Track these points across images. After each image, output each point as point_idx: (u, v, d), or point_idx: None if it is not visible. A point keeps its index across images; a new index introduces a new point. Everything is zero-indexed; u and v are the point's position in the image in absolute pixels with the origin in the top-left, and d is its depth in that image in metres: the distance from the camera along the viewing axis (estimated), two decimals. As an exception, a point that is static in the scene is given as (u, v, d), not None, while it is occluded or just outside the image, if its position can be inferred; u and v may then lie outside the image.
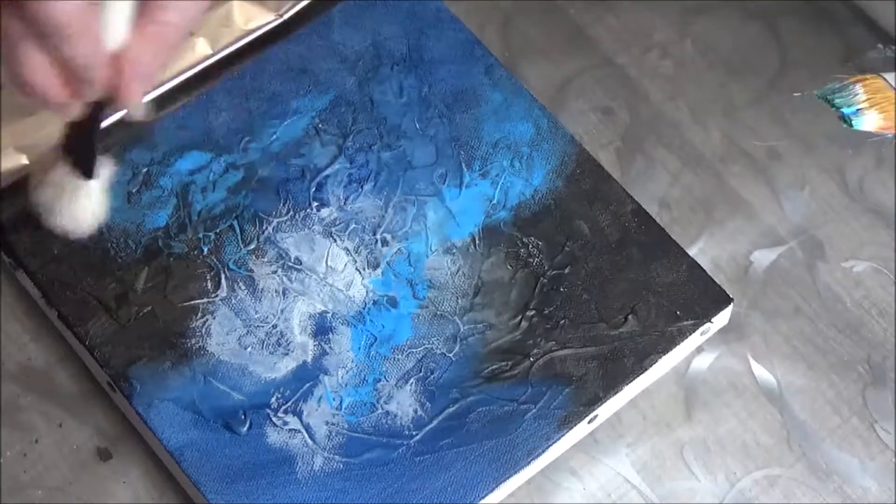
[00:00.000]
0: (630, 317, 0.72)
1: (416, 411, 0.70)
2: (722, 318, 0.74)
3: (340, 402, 0.70)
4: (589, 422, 0.71)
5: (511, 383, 0.71)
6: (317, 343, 0.72)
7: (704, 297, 0.73)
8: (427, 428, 0.70)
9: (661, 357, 0.71)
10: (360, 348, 0.72)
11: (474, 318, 0.72)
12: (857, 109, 0.78)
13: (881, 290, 0.76)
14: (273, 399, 0.70)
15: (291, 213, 0.75)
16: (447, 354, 0.71)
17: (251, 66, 0.78)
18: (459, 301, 0.73)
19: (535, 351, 0.71)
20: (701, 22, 0.84)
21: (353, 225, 0.75)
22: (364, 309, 0.73)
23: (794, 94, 0.82)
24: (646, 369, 0.71)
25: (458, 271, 0.74)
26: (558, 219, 0.75)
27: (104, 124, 0.73)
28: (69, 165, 0.70)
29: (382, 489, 0.68)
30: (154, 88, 0.79)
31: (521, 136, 0.77)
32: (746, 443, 0.72)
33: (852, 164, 0.80)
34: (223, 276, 0.73)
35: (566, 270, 0.74)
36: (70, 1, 0.59)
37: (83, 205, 0.71)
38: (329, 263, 0.74)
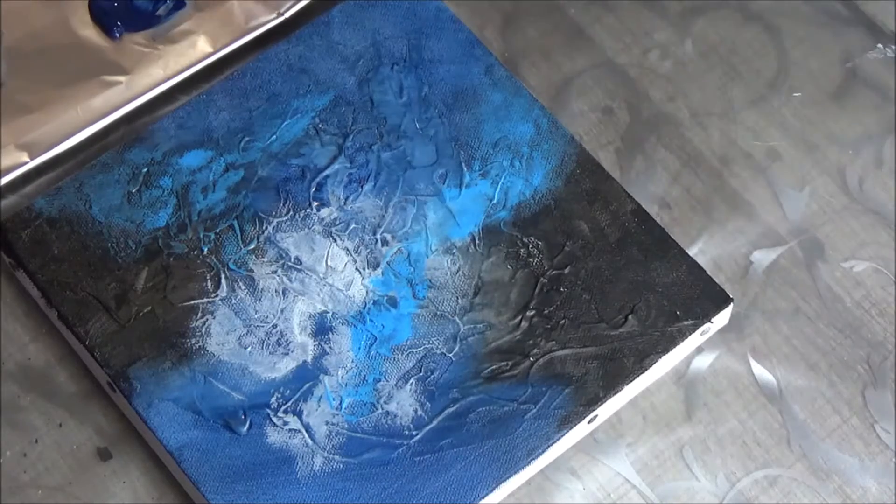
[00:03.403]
0: (630, 317, 0.72)
1: (416, 411, 0.70)
2: (722, 318, 0.74)
3: (340, 402, 0.70)
4: (589, 422, 0.71)
5: (511, 383, 0.71)
6: (317, 343, 0.72)
7: (704, 297, 0.73)
8: (427, 428, 0.70)
9: (661, 357, 0.71)
10: (360, 348, 0.72)
11: (474, 318, 0.72)
12: None
13: (881, 290, 0.76)
14: (273, 399, 0.70)
15: (291, 213, 0.75)
16: (447, 354, 0.72)
17: (251, 66, 0.79)
18: (459, 301, 0.73)
19: (535, 351, 0.71)
20: (701, 22, 0.84)
21: (353, 225, 0.75)
22: (364, 309, 0.73)
23: (794, 94, 0.82)
24: (646, 369, 0.71)
25: (458, 271, 0.74)
26: (558, 219, 0.75)
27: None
28: None
29: (382, 489, 0.68)
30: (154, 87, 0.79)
31: (521, 136, 0.77)
32: (746, 443, 0.72)
33: (852, 164, 0.80)
34: (223, 276, 0.73)
35: (566, 270, 0.74)
36: None
37: None
38: (329, 263, 0.74)
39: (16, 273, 0.74)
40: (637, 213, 0.75)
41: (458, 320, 0.72)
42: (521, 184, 0.76)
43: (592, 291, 0.73)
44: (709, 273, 0.73)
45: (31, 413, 0.72)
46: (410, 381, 0.71)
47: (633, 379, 0.71)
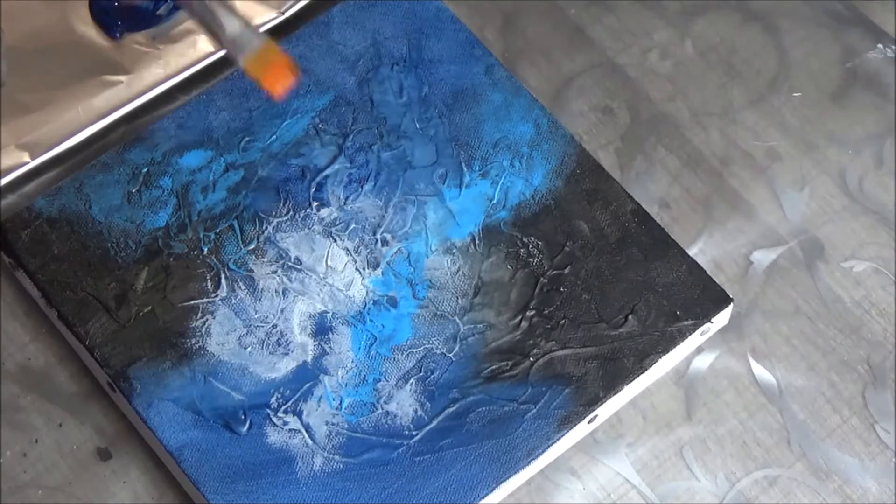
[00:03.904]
0: (630, 317, 0.72)
1: (416, 411, 0.70)
2: (722, 318, 0.74)
3: (340, 402, 0.70)
4: (589, 422, 0.71)
5: (511, 383, 0.71)
6: (317, 343, 0.72)
7: (704, 297, 0.73)
8: (427, 428, 0.70)
9: (661, 357, 0.71)
10: (360, 348, 0.72)
11: (474, 318, 0.72)
12: None
13: (881, 290, 0.76)
14: (273, 399, 0.70)
15: (291, 213, 0.75)
16: (447, 354, 0.72)
17: (251, 66, 0.78)
18: (459, 301, 0.73)
19: (535, 351, 0.71)
20: (701, 22, 0.84)
21: (353, 225, 0.75)
22: (364, 309, 0.73)
23: (794, 94, 0.82)
24: (646, 369, 0.71)
25: (458, 271, 0.74)
26: (558, 219, 0.75)
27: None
28: None
29: (382, 489, 0.68)
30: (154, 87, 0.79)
31: (521, 136, 0.77)
32: (746, 443, 0.72)
33: (852, 164, 0.80)
34: (223, 276, 0.73)
35: (566, 270, 0.74)
36: None
37: None
38: (329, 263, 0.74)
39: (16, 273, 0.74)
40: (637, 213, 0.75)
41: (458, 320, 0.72)
42: (521, 184, 0.76)
43: (592, 291, 0.73)
44: (709, 273, 0.73)
45: (31, 413, 0.72)
46: (410, 381, 0.71)
47: (633, 379, 0.71)
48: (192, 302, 0.72)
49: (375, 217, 0.75)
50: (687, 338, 0.72)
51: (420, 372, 0.71)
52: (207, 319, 0.72)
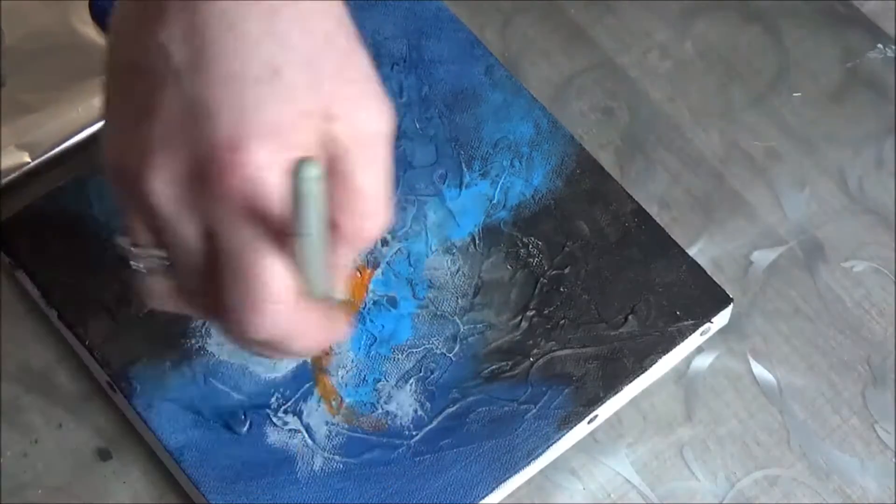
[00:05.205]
0: (630, 317, 0.72)
1: (415, 411, 0.70)
2: (722, 318, 0.74)
3: (340, 402, 0.70)
4: (589, 422, 0.71)
5: (511, 383, 0.71)
6: (317, 343, 0.72)
7: (704, 297, 0.73)
8: (427, 428, 0.70)
9: (661, 357, 0.71)
10: (359, 348, 0.72)
11: (474, 318, 0.72)
12: None
13: (881, 290, 0.76)
14: (273, 399, 0.70)
15: (291, 212, 0.75)
16: (447, 354, 0.71)
17: (251, 66, 0.78)
18: (459, 301, 0.73)
19: (535, 351, 0.71)
20: (701, 22, 0.84)
21: (353, 225, 0.75)
22: (364, 309, 0.72)
23: (794, 95, 0.82)
24: (646, 369, 0.71)
25: (457, 271, 0.74)
26: (558, 219, 0.75)
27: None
28: None
29: (382, 489, 0.68)
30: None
31: (521, 136, 0.77)
32: (746, 443, 0.72)
33: (852, 164, 0.80)
34: (223, 276, 0.73)
35: (566, 270, 0.74)
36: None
37: None
38: (329, 263, 0.74)
39: (16, 273, 0.74)
40: (637, 213, 0.75)
41: (458, 320, 0.72)
42: (521, 184, 0.76)
43: (592, 291, 0.73)
44: (709, 273, 0.73)
45: (31, 413, 0.72)
46: (410, 381, 0.71)
47: (633, 379, 0.71)
48: (192, 302, 0.72)
49: (375, 217, 0.75)
50: (687, 338, 0.72)
51: (420, 372, 0.71)
52: (207, 319, 0.72)
